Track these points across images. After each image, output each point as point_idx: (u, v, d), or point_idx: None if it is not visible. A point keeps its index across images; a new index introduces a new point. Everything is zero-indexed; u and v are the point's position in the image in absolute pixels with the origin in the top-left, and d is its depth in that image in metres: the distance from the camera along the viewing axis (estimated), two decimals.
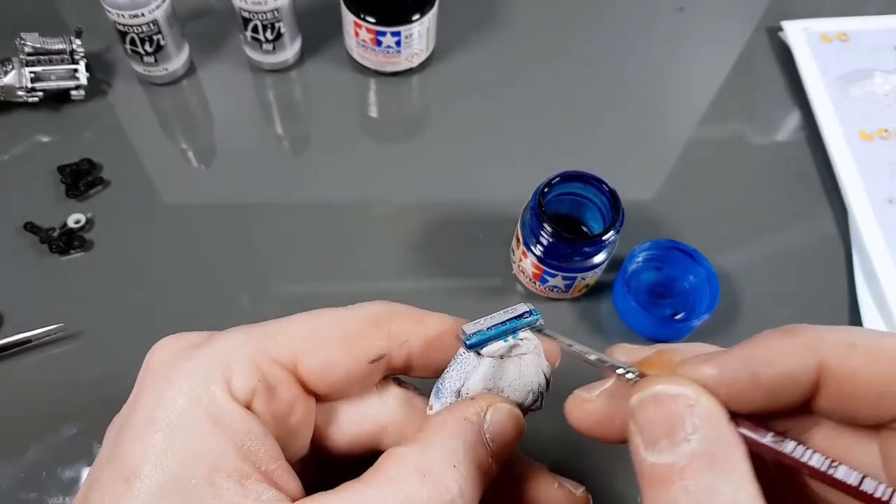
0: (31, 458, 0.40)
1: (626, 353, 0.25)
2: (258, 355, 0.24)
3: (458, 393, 0.25)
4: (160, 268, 0.47)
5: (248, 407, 0.23)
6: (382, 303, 0.27)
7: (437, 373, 0.27)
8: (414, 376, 0.28)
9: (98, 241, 0.48)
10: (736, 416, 0.21)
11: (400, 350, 0.26)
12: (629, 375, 0.22)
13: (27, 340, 0.43)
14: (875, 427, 0.21)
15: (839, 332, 0.21)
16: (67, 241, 0.47)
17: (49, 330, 0.43)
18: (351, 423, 0.28)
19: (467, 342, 0.24)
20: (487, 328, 0.25)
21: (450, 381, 0.25)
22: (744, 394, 0.21)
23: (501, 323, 0.25)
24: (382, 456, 0.23)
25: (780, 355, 0.21)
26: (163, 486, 0.22)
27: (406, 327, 0.26)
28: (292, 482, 0.24)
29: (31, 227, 0.47)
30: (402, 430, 0.28)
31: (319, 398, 0.26)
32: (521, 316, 0.25)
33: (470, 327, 0.25)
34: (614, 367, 0.23)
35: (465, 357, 0.25)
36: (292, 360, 0.25)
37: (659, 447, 0.20)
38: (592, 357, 0.24)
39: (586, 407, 0.24)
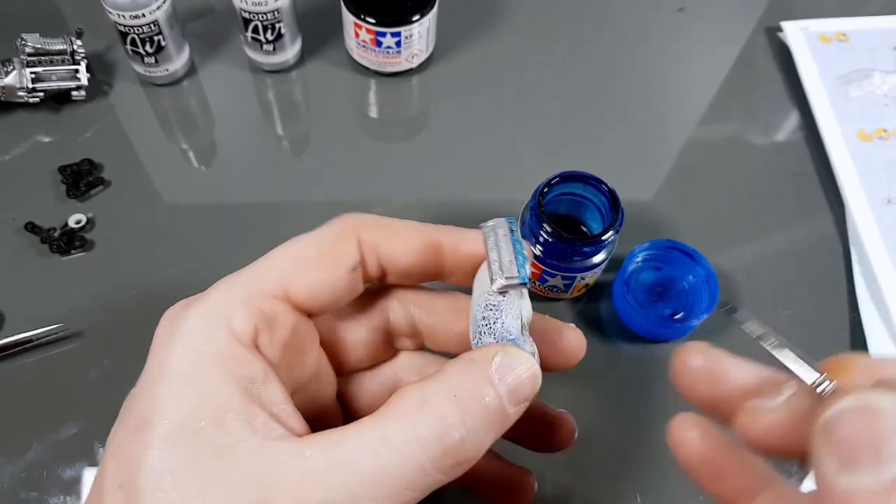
0: (31, 457, 0.40)
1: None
2: (250, 296, 0.25)
3: (521, 329, 0.26)
4: (161, 268, 0.47)
5: (255, 345, 0.25)
6: (349, 215, 0.28)
7: (411, 279, 0.29)
8: (392, 284, 0.30)
9: (99, 242, 0.48)
10: None
11: (371, 257, 0.27)
12: (823, 384, 0.19)
13: (28, 340, 0.43)
14: None
15: None
16: (68, 242, 0.47)
17: (49, 330, 0.43)
18: (370, 392, 0.31)
19: (523, 281, 0.25)
20: (510, 261, 0.25)
21: (507, 325, 0.25)
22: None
23: (512, 248, 0.26)
24: (393, 394, 0.24)
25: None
26: (173, 431, 0.22)
27: (373, 235, 0.27)
28: (299, 423, 0.25)
29: (31, 228, 0.47)
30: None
31: (314, 315, 0.28)
32: (511, 233, 0.26)
33: (506, 269, 0.25)
34: (803, 368, 0.20)
35: (507, 298, 0.25)
36: (282, 288, 0.26)
37: (859, 468, 0.18)
38: (776, 350, 0.21)
39: (768, 419, 0.21)
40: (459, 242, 0.28)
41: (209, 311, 0.25)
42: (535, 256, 0.43)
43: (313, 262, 0.26)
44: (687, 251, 0.45)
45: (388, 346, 0.31)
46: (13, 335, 0.43)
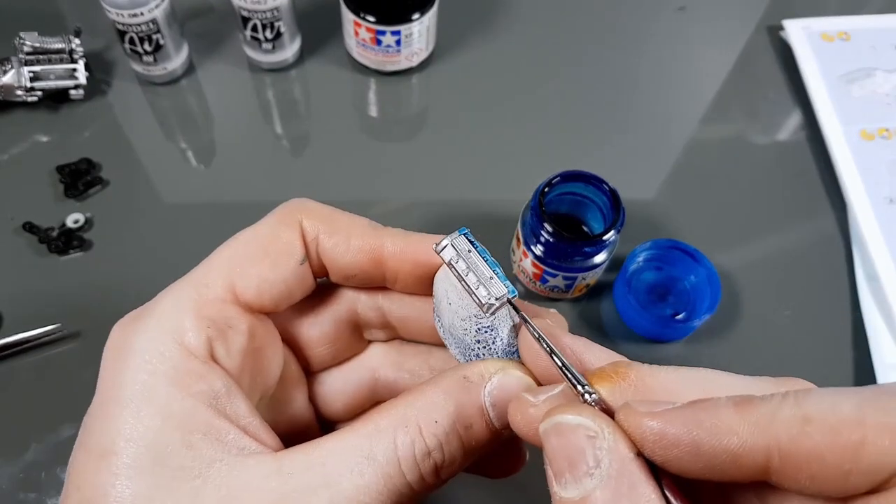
0: (30, 458, 0.40)
1: (592, 353, 0.23)
2: (198, 305, 0.24)
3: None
4: (159, 267, 0.47)
5: (212, 357, 0.23)
6: (293, 201, 0.27)
7: (354, 282, 0.27)
8: (340, 283, 0.28)
9: (97, 241, 0.48)
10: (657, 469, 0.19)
11: (311, 247, 0.26)
12: (584, 392, 0.20)
13: (26, 340, 0.43)
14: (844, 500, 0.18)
15: (792, 405, 0.18)
16: (66, 241, 0.47)
17: (48, 330, 0.43)
18: (342, 390, 0.29)
19: (513, 294, 0.23)
20: (490, 278, 0.23)
21: (506, 341, 0.25)
22: (681, 461, 0.18)
23: (485, 262, 0.24)
24: (376, 407, 0.23)
25: (726, 431, 0.18)
26: (139, 457, 0.21)
27: (315, 225, 0.26)
28: (269, 435, 0.24)
29: (29, 227, 0.47)
30: (391, 385, 0.29)
31: (271, 313, 0.26)
32: (474, 245, 0.24)
33: (492, 288, 0.23)
34: (568, 376, 0.21)
35: (499, 315, 0.24)
36: (230, 290, 0.24)
37: (564, 480, 0.19)
38: (555, 358, 0.22)
39: (530, 413, 0.21)
40: (406, 248, 0.26)
41: (159, 327, 0.23)
42: (536, 256, 0.43)
43: (257, 258, 0.25)
44: (688, 251, 0.45)
45: (357, 339, 0.30)
46: (11, 335, 0.43)
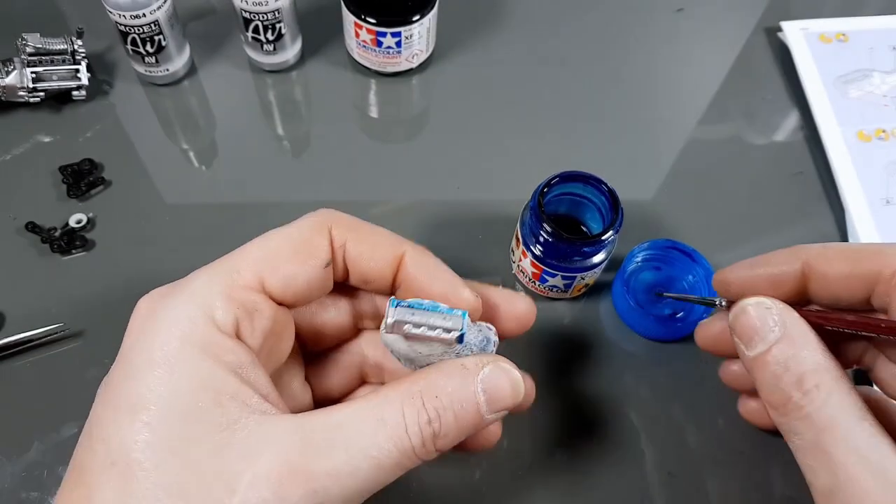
0: (32, 457, 0.40)
1: (734, 273, 0.33)
2: (230, 288, 0.26)
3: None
4: (161, 267, 0.47)
5: (238, 334, 0.26)
6: (323, 211, 0.30)
7: (369, 287, 0.30)
8: (357, 286, 0.31)
9: (99, 241, 0.48)
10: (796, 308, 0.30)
11: (338, 253, 0.29)
12: (721, 303, 0.34)
13: (28, 340, 0.43)
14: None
15: (818, 246, 0.31)
16: (69, 241, 0.47)
17: (50, 330, 0.43)
18: (335, 371, 0.33)
19: (462, 332, 0.27)
20: (441, 321, 0.27)
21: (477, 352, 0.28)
22: (751, 285, 0.32)
23: (426, 313, 0.27)
24: (386, 385, 0.26)
25: (774, 259, 0.32)
26: (170, 413, 0.23)
27: (344, 234, 0.29)
28: (285, 407, 0.26)
29: (32, 227, 0.47)
30: (379, 366, 0.33)
31: (290, 306, 0.29)
32: (411, 308, 0.27)
33: (449, 330, 0.27)
34: (712, 302, 0.35)
35: (464, 341, 0.27)
36: (259, 281, 0.27)
37: (753, 343, 0.29)
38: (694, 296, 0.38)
39: (705, 329, 0.36)
40: (422, 260, 0.29)
41: (191, 301, 0.25)
42: (535, 256, 0.43)
43: (288, 256, 0.27)
44: (686, 251, 0.45)
45: (352, 328, 0.33)
46: (13, 335, 0.43)
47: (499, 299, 0.31)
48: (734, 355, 0.33)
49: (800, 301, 0.32)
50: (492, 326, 0.30)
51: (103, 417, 0.24)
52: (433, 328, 0.26)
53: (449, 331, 0.26)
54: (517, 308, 0.31)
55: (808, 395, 0.27)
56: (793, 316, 0.29)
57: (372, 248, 0.29)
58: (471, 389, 0.26)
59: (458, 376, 0.26)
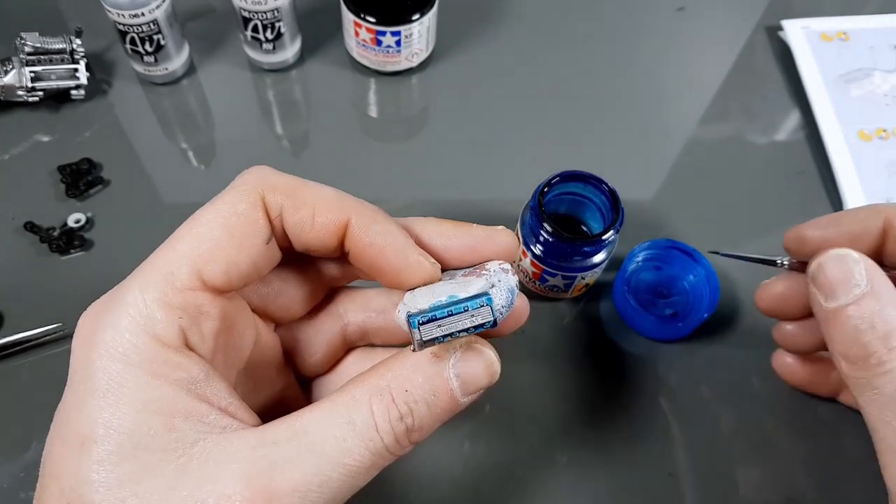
0: (31, 457, 0.40)
1: (811, 229, 0.34)
2: (166, 294, 0.23)
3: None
4: None
5: (186, 345, 0.23)
6: (255, 170, 0.26)
7: (313, 254, 0.27)
8: (297, 250, 0.27)
9: (98, 241, 0.48)
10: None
11: (276, 223, 0.26)
12: (783, 262, 0.36)
13: (27, 340, 0.43)
14: None
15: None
16: (67, 241, 0.47)
17: (49, 329, 0.43)
18: (316, 341, 0.30)
19: (417, 342, 0.23)
20: (470, 316, 0.24)
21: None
22: (829, 241, 0.32)
23: (451, 310, 0.24)
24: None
25: (856, 216, 0.33)
26: (121, 444, 0.21)
27: (277, 199, 0.25)
28: (248, 414, 0.24)
29: (31, 227, 0.47)
30: (361, 326, 0.31)
31: (240, 290, 0.26)
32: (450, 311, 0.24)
33: (483, 317, 0.24)
34: (773, 261, 0.36)
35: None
36: (197, 278, 0.24)
37: (836, 294, 0.29)
38: (760, 257, 0.37)
39: (768, 289, 0.37)
40: (369, 226, 0.26)
41: (127, 316, 0.23)
42: (536, 256, 0.43)
43: (222, 241, 0.24)
44: (687, 251, 0.45)
45: (324, 291, 0.31)
46: (12, 335, 0.43)
47: (476, 238, 0.28)
48: (793, 317, 0.34)
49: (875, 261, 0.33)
50: (507, 267, 0.27)
51: (53, 453, 0.22)
52: (464, 330, 0.24)
53: (482, 325, 0.24)
54: (497, 244, 0.28)
55: (893, 351, 0.28)
56: (879, 272, 0.29)
57: (312, 216, 0.26)
58: (443, 377, 0.24)
59: (426, 364, 0.24)
